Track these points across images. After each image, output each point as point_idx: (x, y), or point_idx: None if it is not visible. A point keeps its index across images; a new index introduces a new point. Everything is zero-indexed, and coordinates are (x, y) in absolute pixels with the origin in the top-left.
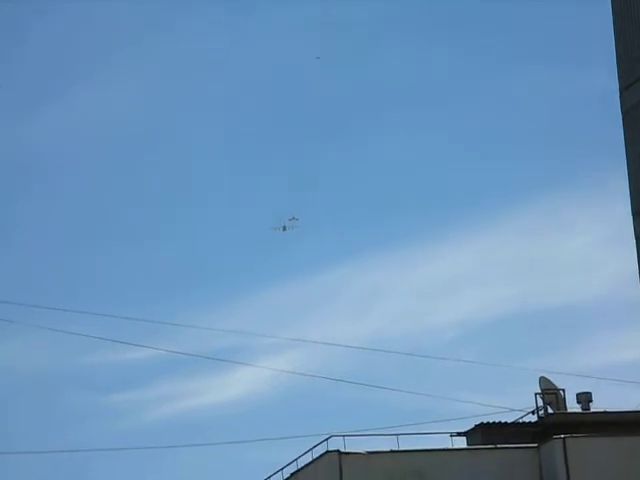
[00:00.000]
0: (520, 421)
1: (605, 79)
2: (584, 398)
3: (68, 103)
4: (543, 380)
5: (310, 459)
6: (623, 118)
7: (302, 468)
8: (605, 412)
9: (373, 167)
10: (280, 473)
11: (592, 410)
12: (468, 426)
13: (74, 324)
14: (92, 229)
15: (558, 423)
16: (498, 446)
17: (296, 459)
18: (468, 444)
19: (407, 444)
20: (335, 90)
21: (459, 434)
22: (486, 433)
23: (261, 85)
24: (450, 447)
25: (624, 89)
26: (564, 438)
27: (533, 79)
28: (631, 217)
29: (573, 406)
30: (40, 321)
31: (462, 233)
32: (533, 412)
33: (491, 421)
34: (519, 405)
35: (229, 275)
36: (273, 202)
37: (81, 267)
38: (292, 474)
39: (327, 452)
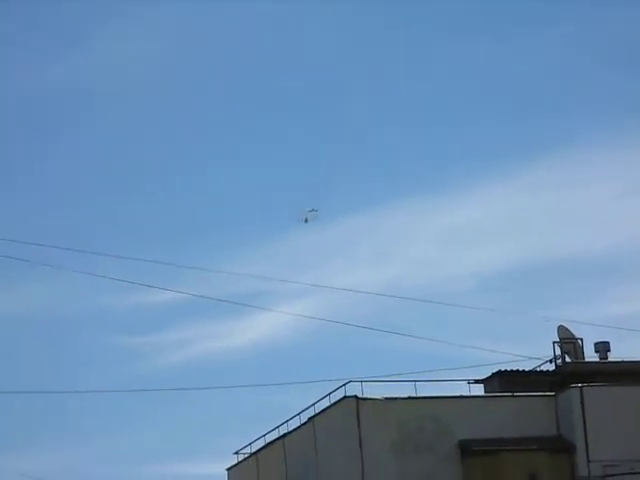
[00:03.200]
0: (538, 369)
1: (625, 33)
2: (602, 347)
3: (93, 45)
4: (561, 329)
5: (328, 404)
6: None
7: (319, 413)
8: (623, 362)
9: (392, 123)
10: (298, 417)
11: (610, 359)
12: (486, 374)
13: (97, 266)
14: (117, 171)
15: (575, 372)
16: (515, 394)
17: (314, 404)
18: (485, 392)
19: (424, 391)
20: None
21: (477, 381)
22: (504, 381)
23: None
24: (467, 394)
25: None
26: (581, 387)
27: (543, 34)
28: None
29: (591, 355)
30: (63, 262)
31: (483, 184)
32: (551, 361)
33: (509, 369)
34: (537, 354)
35: (252, 220)
36: (304, 155)
37: (106, 209)
38: (309, 418)
39: (345, 397)
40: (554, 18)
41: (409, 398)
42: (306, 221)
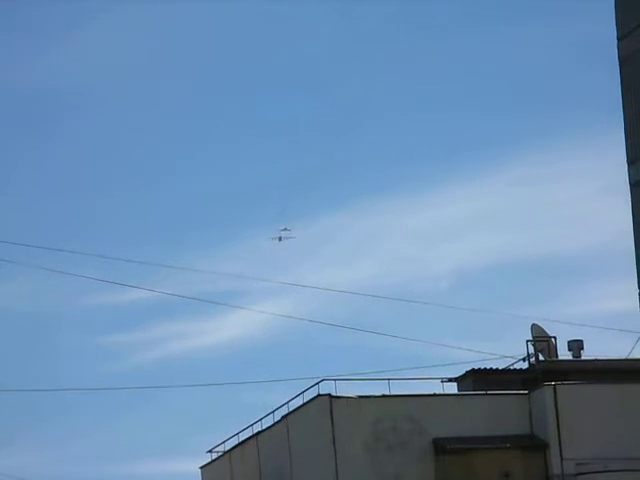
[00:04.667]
0: (511, 368)
1: (600, 29)
2: (575, 346)
3: (76, 44)
4: (535, 327)
5: (301, 402)
6: (620, 67)
7: (293, 411)
8: (596, 360)
9: (367, 119)
10: (271, 415)
11: (583, 358)
12: (459, 372)
13: (69, 265)
14: (92, 170)
15: (549, 370)
16: (489, 392)
17: (287, 402)
18: (459, 390)
19: (398, 389)
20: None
21: (450, 380)
22: (477, 379)
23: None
24: (441, 393)
25: (621, 38)
26: (554, 385)
27: (523, 31)
28: (626, 166)
29: (564, 354)
30: (36, 261)
31: (456, 182)
32: (524, 359)
33: (482, 367)
34: (511, 352)
35: (225, 218)
36: (281, 154)
37: (79, 207)
38: (283, 417)
39: (318, 395)
40: (541, 15)
41: (383, 396)
42: (280, 240)
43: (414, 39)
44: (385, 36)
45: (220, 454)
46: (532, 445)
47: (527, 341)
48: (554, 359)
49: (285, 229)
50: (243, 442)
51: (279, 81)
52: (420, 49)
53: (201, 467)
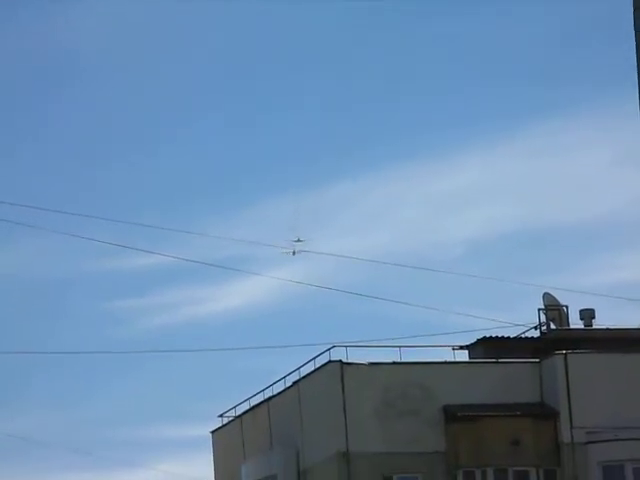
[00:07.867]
0: (523, 336)
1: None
2: (587, 315)
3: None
4: (547, 296)
5: (312, 368)
6: (636, 36)
7: (304, 377)
8: (607, 329)
9: (384, 89)
10: (282, 381)
11: (594, 327)
12: (470, 340)
13: (84, 229)
14: (107, 133)
15: (560, 339)
16: (500, 360)
17: (298, 368)
18: (470, 357)
19: (409, 356)
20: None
21: (461, 347)
22: (488, 347)
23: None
24: (452, 360)
25: (638, 7)
26: (565, 354)
27: (537, 2)
28: None
29: (576, 322)
30: (48, 224)
31: (472, 150)
32: (536, 327)
33: (494, 335)
34: (522, 320)
35: (241, 183)
36: (296, 120)
37: (93, 170)
38: (294, 383)
39: (329, 362)
40: None
41: (394, 363)
42: (294, 254)
43: (431, 12)
44: (401, 14)
45: (231, 419)
46: (542, 413)
47: (539, 310)
48: (565, 328)
49: (299, 240)
50: (254, 407)
51: (306, 51)
52: (439, 21)
53: (212, 431)
